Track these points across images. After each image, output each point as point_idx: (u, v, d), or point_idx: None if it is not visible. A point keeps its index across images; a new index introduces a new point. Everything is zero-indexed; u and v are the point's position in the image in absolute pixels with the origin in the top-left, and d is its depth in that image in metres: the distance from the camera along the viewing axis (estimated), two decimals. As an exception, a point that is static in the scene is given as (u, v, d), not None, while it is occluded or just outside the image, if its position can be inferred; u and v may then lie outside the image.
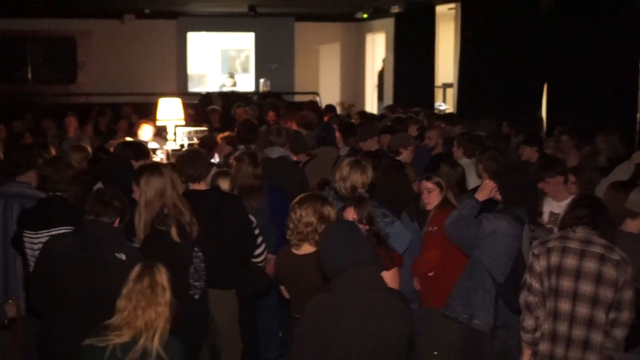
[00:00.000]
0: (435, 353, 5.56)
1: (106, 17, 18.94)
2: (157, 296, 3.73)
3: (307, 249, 4.82)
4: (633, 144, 9.52)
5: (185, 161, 5.80)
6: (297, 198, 4.90)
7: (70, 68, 19.55)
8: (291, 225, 4.82)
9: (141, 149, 7.02)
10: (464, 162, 7.50)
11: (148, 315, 3.70)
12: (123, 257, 4.45)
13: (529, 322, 4.58)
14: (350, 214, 5.06)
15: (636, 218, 5.13)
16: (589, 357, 4.41)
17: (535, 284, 4.55)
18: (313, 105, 13.20)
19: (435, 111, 14.90)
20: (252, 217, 6.05)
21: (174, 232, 4.93)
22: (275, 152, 8.02)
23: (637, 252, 5.01)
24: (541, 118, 12.24)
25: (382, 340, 3.65)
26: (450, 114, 13.28)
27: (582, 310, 4.41)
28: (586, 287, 4.40)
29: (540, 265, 4.55)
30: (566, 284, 4.45)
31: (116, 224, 4.66)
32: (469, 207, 5.42)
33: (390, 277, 4.93)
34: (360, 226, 4.80)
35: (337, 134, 9.29)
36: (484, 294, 5.22)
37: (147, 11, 18.53)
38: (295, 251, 4.86)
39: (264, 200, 6.71)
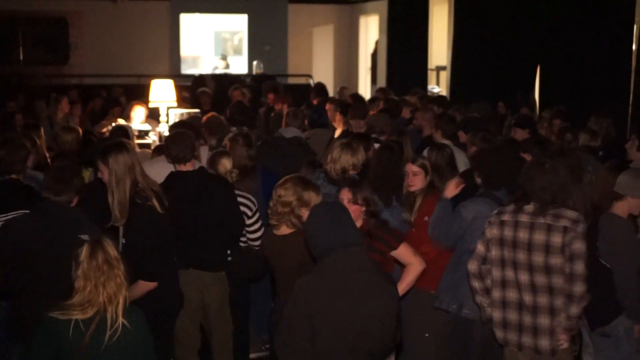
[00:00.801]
0: (427, 335, 5.56)
1: (98, -2, 18.84)
2: (114, 269, 3.78)
3: (285, 230, 4.84)
4: (625, 127, 9.53)
5: (171, 141, 5.75)
6: (283, 179, 4.91)
7: (63, 49, 19.44)
8: (271, 204, 4.87)
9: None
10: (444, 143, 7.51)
11: (110, 289, 3.75)
12: (87, 237, 4.36)
13: (480, 285, 4.74)
14: (346, 195, 4.98)
15: (623, 200, 5.12)
16: (541, 321, 4.52)
17: (483, 249, 4.70)
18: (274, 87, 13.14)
19: (429, 94, 14.88)
20: (252, 199, 6.04)
21: (156, 204, 4.90)
22: (290, 132, 8.07)
23: (622, 235, 5.04)
24: (534, 99, 12.24)
25: (369, 320, 3.65)
26: (441, 97, 13.26)
27: (539, 279, 4.50)
28: (539, 258, 4.49)
29: (491, 233, 4.67)
30: (520, 256, 4.55)
31: (74, 203, 4.64)
32: (442, 207, 5.41)
33: (401, 251, 4.95)
34: (356, 207, 4.80)
35: (337, 115, 9.33)
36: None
37: (140, -8, 18.44)
38: (275, 232, 4.88)
39: (257, 181, 6.72)
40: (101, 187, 5.11)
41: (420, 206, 5.72)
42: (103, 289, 3.73)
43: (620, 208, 5.13)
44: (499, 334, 4.73)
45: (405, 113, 10.10)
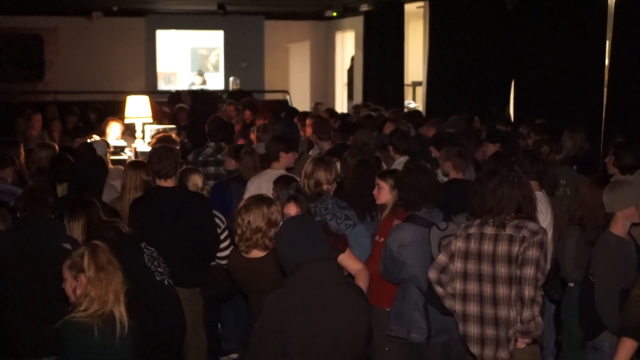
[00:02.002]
0: (387, 349, 5.56)
1: (74, 15, 18.77)
2: (117, 268, 3.92)
3: (256, 253, 4.76)
4: (599, 141, 9.62)
5: (154, 156, 5.74)
6: (242, 202, 4.85)
7: (38, 66, 19.35)
8: (239, 231, 4.75)
9: None
10: (399, 160, 7.54)
11: (116, 286, 3.89)
12: (69, 247, 4.46)
13: (443, 292, 4.75)
14: (293, 209, 5.00)
15: (615, 217, 5.16)
16: (502, 333, 4.54)
17: (444, 259, 4.71)
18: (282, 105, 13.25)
19: (405, 109, 14.94)
20: (221, 217, 6.04)
21: (110, 234, 4.81)
22: (262, 148, 8.13)
23: (608, 253, 5.06)
24: (509, 114, 12.33)
25: (341, 334, 3.63)
26: (416, 111, 13.33)
27: (500, 291, 4.53)
28: (501, 269, 4.53)
29: (456, 246, 4.69)
30: (484, 268, 4.57)
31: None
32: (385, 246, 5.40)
33: (346, 257, 5.00)
34: None
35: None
36: (414, 309, 5.24)
37: (115, 9, 18.40)
38: (245, 255, 4.80)
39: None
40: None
41: (380, 227, 5.79)
42: (111, 287, 3.85)
43: (617, 226, 5.15)
44: (464, 346, 4.77)
45: (388, 128, 10.13)
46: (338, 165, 6.76)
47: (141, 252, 4.92)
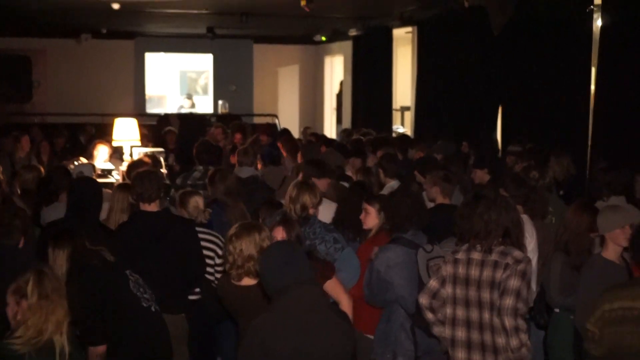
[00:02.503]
0: None
1: (62, 37, 18.78)
2: (61, 296, 3.85)
3: (248, 280, 4.69)
4: (585, 166, 9.66)
5: (137, 179, 5.69)
6: (233, 229, 4.75)
7: (25, 87, 19.32)
8: (230, 259, 4.67)
9: None
10: (389, 184, 7.52)
11: (58, 316, 3.81)
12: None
13: (433, 318, 4.74)
14: (280, 234, 4.97)
15: (606, 242, 5.19)
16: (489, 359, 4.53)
17: (436, 285, 4.70)
18: (270, 128, 13.27)
19: (393, 134, 14.99)
20: (221, 238, 5.99)
21: (94, 262, 4.79)
22: (245, 172, 8.17)
23: (603, 277, 5.08)
24: (496, 139, 12.39)
25: (325, 358, 3.62)
26: (404, 136, 13.37)
27: (486, 316, 4.53)
28: (486, 295, 4.52)
29: (446, 270, 4.69)
30: (471, 293, 4.57)
31: (21, 243, 4.59)
32: (369, 270, 5.36)
33: (333, 284, 4.95)
34: None
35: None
36: (400, 331, 5.23)
37: (104, 31, 18.40)
38: (235, 282, 4.72)
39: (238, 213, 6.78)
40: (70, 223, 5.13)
41: (358, 251, 5.80)
42: (52, 316, 3.76)
43: (607, 250, 5.21)
44: None
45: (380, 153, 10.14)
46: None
47: (126, 279, 4.87)
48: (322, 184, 6.94)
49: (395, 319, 5.26)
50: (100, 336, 4.73)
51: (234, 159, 9.69)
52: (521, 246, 4.65)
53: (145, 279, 5.07)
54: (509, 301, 4.45)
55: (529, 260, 4.56)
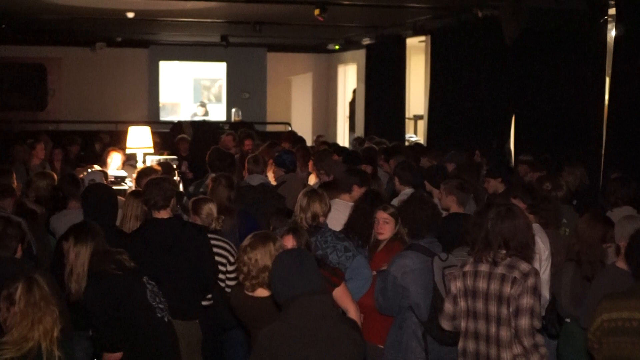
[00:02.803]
0: None
1: (77, 45, 18.90)
2: (50, 304, 3.85)
3: (262, 292, 4.65)
4: (598, 176, 9.63)
5: (148, 187, 5.73)
6: (247, 239, 4.71)
7: (40, 95, 19.45)
8: (245, 270, 4.62)
9: None
10: (405, 192, 7.49)
11: (46, 324, 3.81)
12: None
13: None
14: (290, 242, 4.97)
15: (622, 252, 5.17)
16: None
17: (450, 307, 4.70)
18: (291, 135, 13.25)
19: (406, 143, 14.99)
20: (232, 245, 6.03)
21: (112, 269, 4.79)
22: (256, 180, 8.18)
23: (611, 286, 5.05)
24: (509, 149, 12.36)
25: (335, 368, 3.63)
26: (417, 144, 13.37)
27: (492, 329, 4.51)
28: (493, 308, 4.51)
29: (455, 286, 4.68)
30: (480, 305, 4.56)
31: (18, 251, 4.61)
32: (382, 279, 5.36)
33: (341, 292, 4.94)
34: None
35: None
36: (412, 338, 5.22)
37: (119, 39, 18.52)
38: (249, 293, 4.69)
39: (233, 224, 6.75)
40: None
41: (374, 259, 5.78)
42: (39, 324, 3.78)
43: (621, 259, 5.18)
44: None
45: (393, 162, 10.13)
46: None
47: (144, 288, 4.88)
48: (360, 192, 6.98)
49: (408, 326, 5.25)
50: (116, 343, 4.75)
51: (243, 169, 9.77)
52: (529, 258, 4.63)
53: (159, 285, 5.09)
54: (525, 321, 4.43)
55: (536, 273, 4.53)
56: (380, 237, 5.81)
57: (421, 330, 5.19)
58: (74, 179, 7.58)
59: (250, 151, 11.51)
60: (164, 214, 5.66)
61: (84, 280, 4.85)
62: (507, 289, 4.45)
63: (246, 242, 4.68)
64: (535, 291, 4.46)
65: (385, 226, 5.78)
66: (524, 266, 4.49)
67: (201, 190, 8.22)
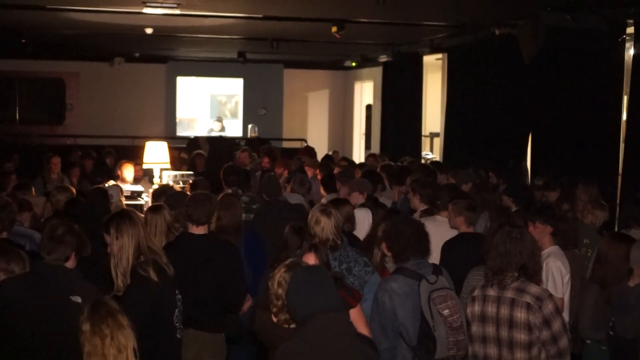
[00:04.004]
0: None
1: (96, 60, 19.04)
2: (119, 320, 3.72)
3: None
4: (615, 196, 9.57)
5: (192, 201, 5.76)
6: (280, 272, 4.49)
7: (59, 109, 19.60)
8: (279, 304, 4.42)
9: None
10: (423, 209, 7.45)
11: (117, 341, 3.69)
12: (79, 299, 4.31)
13: None
14: (311, 259, 4.94)
15: (634, 273, 5.18)
16: None
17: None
18: (309, 151, 13.28)
19: (422, 160, 14.98)
20: None
21: (153, 275, 4.76)
22: (295, 199, 8.40)
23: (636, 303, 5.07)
24: (526, 167, 12.32)
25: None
26: (436, 162, 13.34)
27: (505, 354, 4.49)
28: (504, 332, 4.49)
29: (469, 312, 4.69)
30: (489, 330, 4.54)
31: (71, 260, 4.57)
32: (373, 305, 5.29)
33: (355, 315, 4.88)
34: None
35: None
36: None
37: (137, 55, 18.66)
38: (275, 319, 4.55)
39: (241, 240, 6.77)
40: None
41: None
42: (111, 341, 3.67)
43: (633, 279, 5.21)
44: None
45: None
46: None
47: (174, 307, 4.87)
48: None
49: (398, 353, 5.16)
50: (150, 347, 4.74)
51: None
52: (538, 281, 4.59)
53: (187, 298, 5.08)
54: (564, 342, 4.44)
55: (550, 295, 4.51)
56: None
57: (410, 356, 5.08)
58: (105, 194, 7.70)
59: (267, 169, 11.55)
60: (201, 230, 5.72)
61: (128, 277, 4.81)
62: (519, 314, 4.42)
63: (279, 275, 4.47)
64: (558, 312, 4.45)
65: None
66: (534, 290, 4.46)
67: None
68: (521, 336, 4.44)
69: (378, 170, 10.27)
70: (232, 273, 5.70)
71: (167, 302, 4.84)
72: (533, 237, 4.82)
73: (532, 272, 4.53)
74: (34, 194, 8.03)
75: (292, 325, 4.41)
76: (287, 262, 4.63)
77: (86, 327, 3.69)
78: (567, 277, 5.92)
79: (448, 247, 6.48)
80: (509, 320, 4.46)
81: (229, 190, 8.37)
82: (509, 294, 4.47)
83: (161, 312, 4.79)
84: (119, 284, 4.81)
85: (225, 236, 6.44)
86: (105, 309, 3.73)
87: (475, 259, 5.67)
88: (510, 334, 4.45)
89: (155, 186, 10.89)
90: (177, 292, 4.95)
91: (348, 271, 5.72)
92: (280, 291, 4.38)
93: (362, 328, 4.96)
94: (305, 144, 18.36)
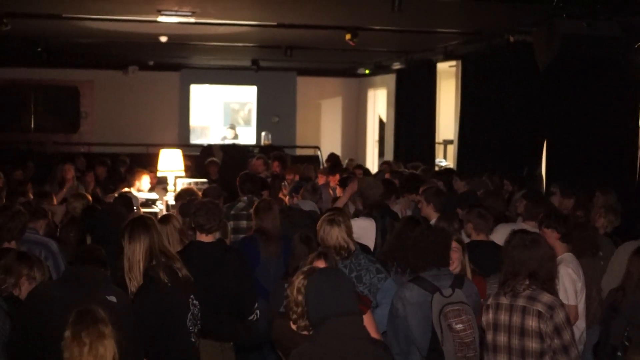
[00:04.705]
0: None
1: (110, 68, 19.13)
2: (100, 329, 3.76)
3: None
4: (631, 203, 9.52)
5: (201, 210, 5.75)
6: (299, 279, 4.48)
7: (73, 117, 19.68)
8: (299, 310, 4.41)
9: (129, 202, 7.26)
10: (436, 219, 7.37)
11: (95, 351, 3.72)
12: (114, 299, 4.41)
13: None
14: (321, 265, 4.90)
15: None
16: None
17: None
18: (333, 158, 13.36)
19: (436, 167, 14.95)
20: None
21: (163, 277, 4.86)
22: (308, 206, 8.37)
23: None
24: (541, 174, 12.27)
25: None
26: (448, 169, 13.31)
27: None
28: (515, 341, 4.47)
29: (483, 320, 4.68)
30: (501, 338, 4.53)
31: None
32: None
33: (366, 320, 4.85)
34: None
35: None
36: None
37: (151, 63, 18.73)
38: (296, 329, 4.52)
39: (279, 251, 6.86)
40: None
41: None
42: (89, 349, 3.71)
43: None
44: None
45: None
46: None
47: (187, 310, 4.92)
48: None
49: (413, 357, 5.15)
50: (146, 354, 4.78)
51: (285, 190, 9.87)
52: (552, 289, 4.55)
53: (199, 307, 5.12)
54: (574, 351, 4.40)
55: (561, 304, 4.47)
56: (451, 268, 5.49)
57: None
58: (129, 201, 7.74)
59: (277, 174, 11.57)
60: (210, 238, 5.72)
61: (140, 280, 4.91)
62: (531, 322, 4.40)
63: (298, 281, 4.45)
64: (569, 322, 4.42)
65: (453, 254, 5.51)
66: (546, 298, 4.43)
67: (232, 212, 8.25)
68: (533, 345, 4.41)
69: (387, 176, 10.26)
70: (242, 281, 5.69)
71: (177, 304, 4.90)
72: (548, 245, 4.78)
73: (543, 279, 4.48)
74: (55, 203, 8.05)
75: (312, 332, 4.42)
76: (305, 268, 4.64)
77: (68, 333, 3.74)
78: (579, 285, 5.88)
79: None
80: (520, 328, 4.44)
81: (245, 198, 8.39)
82: (521, 302, 4.45)
83: (171, 314, 4.86)
84: (132, 289, 4.92)
85: (268, 241, 6.55)
86: (90, 317, 3.78)
87: (485, 267, 5.65)
88: (522, 343, 4.43)
89: (172, 194, 10.95)
90: (192, 297, 4.99)
91: (358, 279, 5.72)
92: (300, 298, 4.37)
93: (372, 334, 4.95)
94: (319, 152, 18.38)
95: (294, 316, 4.49)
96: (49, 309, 4.42)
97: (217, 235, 6.05)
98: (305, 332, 4.42)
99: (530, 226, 6.63)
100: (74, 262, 4.66)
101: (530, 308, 4.41)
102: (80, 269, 4.59)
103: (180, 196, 8.46)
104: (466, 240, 6.62)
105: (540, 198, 8.07)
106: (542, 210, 6.79)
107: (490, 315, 4.58)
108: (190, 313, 4.94)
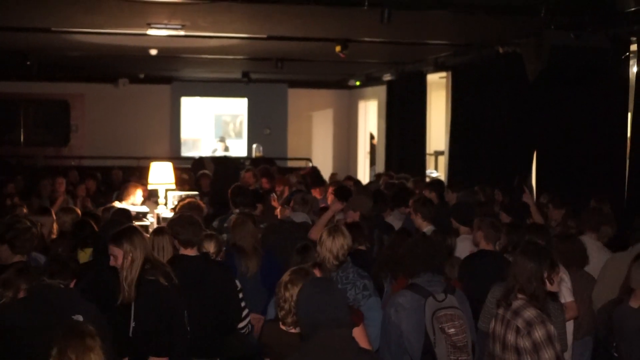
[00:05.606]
0: None
1: (100, 81, 19.12)
2: (87, 343, 3.75)
3: None
4: (621, 212, 9.54)
5: (179, 225, 5.73)
6: (286, 276, 4.66)
7: (63, 131, 19.66)
8: (286, 306, 4.56)
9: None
10: (427, 229, 7.38)
11: None
12: (80, 318, 4.38)
13: None
14: (317, 274, 4.94)
15: (635, 293, 5.14)
16: None
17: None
18: (314, 171, 13.33)
19: (427, 178, 14.95)
20: (237, 282, 6.03)
21: (162, 279, 4.94)
22: (300, 217, 8.31)
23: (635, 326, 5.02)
24: (531, 185, 12.29)
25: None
26: (438, 181, 13.32)
27: None
28: (499, 352, 4.47)
29: (490, 330, 4.66)
30: (496, 348, 4.52)
31: (71, 285, 4.66)
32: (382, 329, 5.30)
33: (358, 334, 4.85)
34: None
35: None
36: None
37: (142, 76, 18.73)
38: (287, 329, 4.62)
39: (259, 263, 6.85)
40: (102, 268, 5.24)
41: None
42: None
43: (635, 300, 5.14)
44: None
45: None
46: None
47: (184, 307, 5.07)
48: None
49: None
50: (165, 347, 4.86)
51: (275, 203, 9.84)
52: (541, 301, 4.45)
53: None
54: (549, 353, 4.27)
55: (542, 321, 4.33)
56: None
57: None
58: (128, 214, 7.71)
59: (267, 189, 11.54)
60: (193, 251, 5.69)
61: (134, 286, 4.93)
62: (510, 337, 4.37)
63: (286, 278, 4.63)
64: (551, 341, 4.28)
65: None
66: (528, 313, 4.35)
67: (225, 225, 8.23)
68: (511, 357, 4.38)
69: (381, 188, 10.26)
70: (226, 294, 5.67)
71: (176, 302, 5.01)
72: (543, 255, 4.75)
73: (531, 295, 4.41)
74: (54, 217, 7.97)
75: (297, 329, 4.47)
76: (294, 267, 4.75)
77: (54, 351, 3.73)
78: (569, 299, 5.90)
79: (466, 263, 6.48)
80: (503, 341, 4.43)
81: (237, 211, 8.37)
82: (508, 315, 4.44)
83: (172, 312, 4.96)
84: (127, 294, 4.93)
85: (243, 256, 6.50)
86: (76, 333, 3.77)
87: (493, 276, 5.64)
88: (504, 356, 4.42)
89: (163, 207, 10.92)
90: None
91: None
92: (287, 294, 4.51)
93: (365, 344, 4.94)
94: (310, 164, 18.38)
95: (282, 312, 4.59)
96: (11, 331, 4.41)
97: (203, 248, 6.06)
98: (293, 330, 4.51)
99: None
100: (43, 275, 4.64)
101: (512, 322, 4.38)
102: (45, 287, 4.58)
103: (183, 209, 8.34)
104: (474, 249, 6.66)
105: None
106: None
107: (492, 325, 4.58)
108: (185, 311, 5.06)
